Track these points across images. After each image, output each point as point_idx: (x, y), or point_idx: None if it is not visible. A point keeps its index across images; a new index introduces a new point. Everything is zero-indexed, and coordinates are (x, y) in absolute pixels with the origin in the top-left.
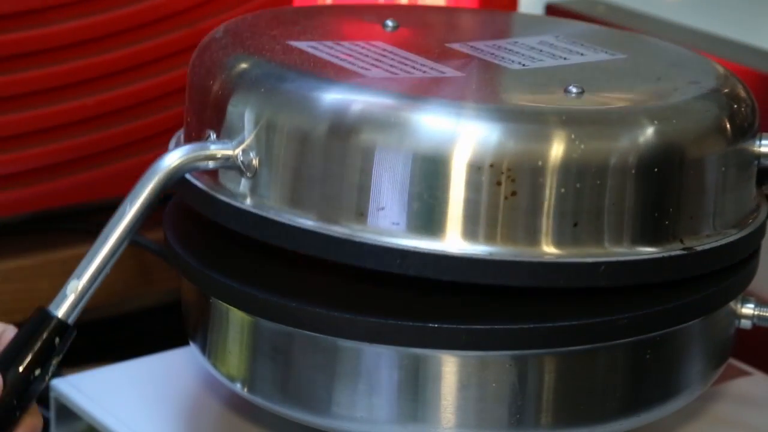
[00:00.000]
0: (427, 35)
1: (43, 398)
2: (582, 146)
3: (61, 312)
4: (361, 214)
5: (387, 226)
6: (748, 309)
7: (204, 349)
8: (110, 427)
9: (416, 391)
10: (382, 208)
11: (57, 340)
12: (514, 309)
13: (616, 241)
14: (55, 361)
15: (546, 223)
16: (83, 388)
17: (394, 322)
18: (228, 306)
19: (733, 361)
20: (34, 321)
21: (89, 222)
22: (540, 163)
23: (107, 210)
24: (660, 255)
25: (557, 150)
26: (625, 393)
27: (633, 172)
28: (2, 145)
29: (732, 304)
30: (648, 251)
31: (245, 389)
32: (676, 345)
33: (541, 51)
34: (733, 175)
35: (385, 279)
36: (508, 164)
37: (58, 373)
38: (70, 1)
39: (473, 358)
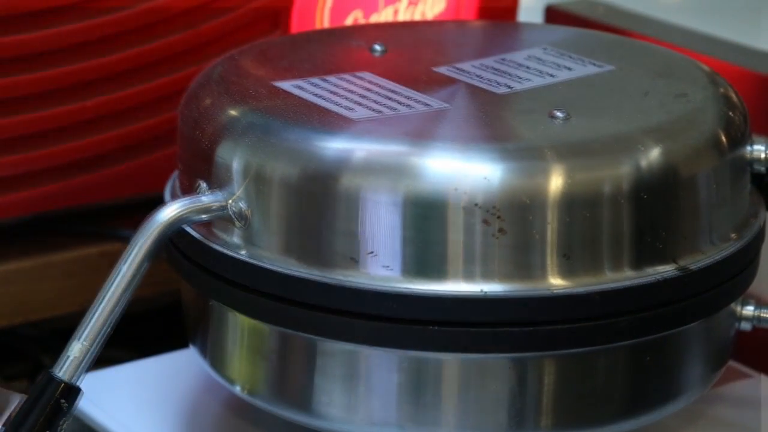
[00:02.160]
0: (414, 59)
1: None
2: (568, 180)
3: (65, 374)
4: (353, 260)
5: (379, 270)
6: (749, 311)
7: (204, 351)
8: (110, 430)
9: (416, 394)
10: (374, 254)
11: (64, 402)
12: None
13: (609, 269)
14: (64, 423)
15: (538, 257)
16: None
17: (394, 325)
18: (228, 308)
19: (734, 364)
20: (40, 386)
21: (90, 224)
22: (526, 200)
23: (108, 212)
24: (654, 279)
25: (543, 186)
26: (624, 395)
27: (621, 201)
28: (3, 147)
29: (732, 305)
30: (641, 275)
31: (245, 391)
32: (676, 347)
33: (528, 69)
34: (726, 187)
35: None
36: (494, 203)
37: None
38: (71, 4)
39: (473, 360)
